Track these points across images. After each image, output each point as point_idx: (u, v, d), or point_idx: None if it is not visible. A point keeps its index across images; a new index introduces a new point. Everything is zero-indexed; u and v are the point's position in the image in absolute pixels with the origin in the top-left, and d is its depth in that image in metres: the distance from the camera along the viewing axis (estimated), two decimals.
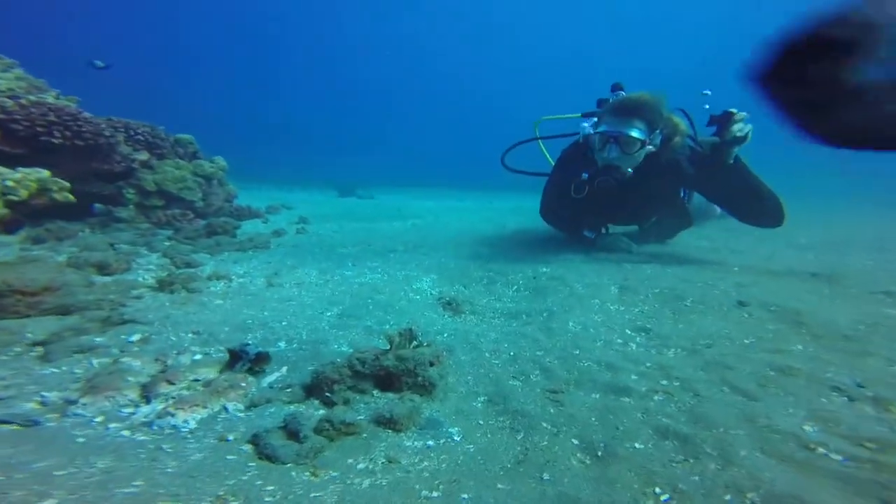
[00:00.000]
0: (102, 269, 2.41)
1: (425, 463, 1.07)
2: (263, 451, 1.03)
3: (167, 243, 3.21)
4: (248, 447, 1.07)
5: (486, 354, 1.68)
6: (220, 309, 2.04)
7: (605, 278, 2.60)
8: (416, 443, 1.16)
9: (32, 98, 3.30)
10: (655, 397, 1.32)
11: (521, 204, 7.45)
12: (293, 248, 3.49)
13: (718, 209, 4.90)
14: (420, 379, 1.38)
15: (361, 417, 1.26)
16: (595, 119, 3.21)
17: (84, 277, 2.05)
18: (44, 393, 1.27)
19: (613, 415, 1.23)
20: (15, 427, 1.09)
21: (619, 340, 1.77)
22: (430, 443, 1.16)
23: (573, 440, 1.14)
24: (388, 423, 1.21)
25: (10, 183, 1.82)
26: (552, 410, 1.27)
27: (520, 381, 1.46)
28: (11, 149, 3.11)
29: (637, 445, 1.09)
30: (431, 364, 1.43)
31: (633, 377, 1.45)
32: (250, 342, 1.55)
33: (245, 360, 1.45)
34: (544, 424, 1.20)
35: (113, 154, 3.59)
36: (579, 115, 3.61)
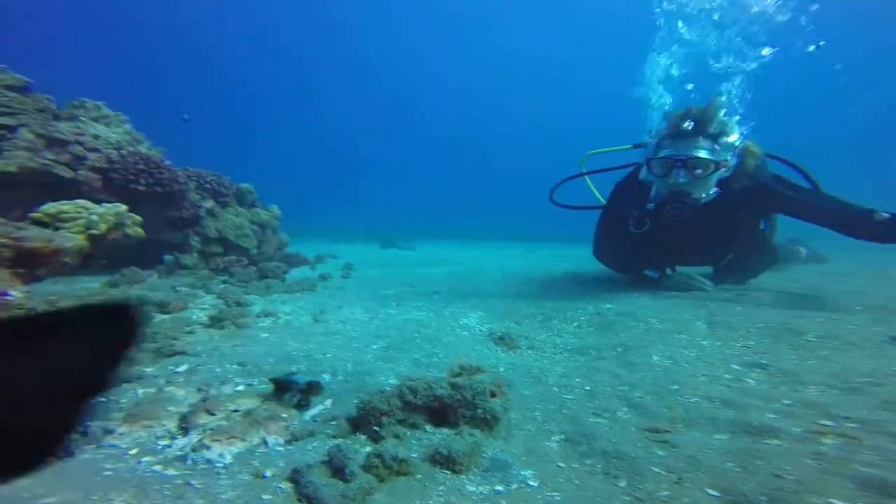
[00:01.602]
0: (162, 307, 2.49)
1: None
2: (304, 491, 0.86)
3: (221, 286, 3.34)
4: (286, 485, 0.90)
5: (555, 389, 1.44)
6: (266, 342, 1.98)
7: (686, 314, 2.28)
8: (480, 487, 0.94)
9: (131, 149, 3.79)
10: (825, 440, 1.02)
11: (568, 252, 7.18)
12: (338, 290, 3.49)
13: (804, 251, 4.29)
14: (480, 412, 1.17)
15: (414, 455, 1.06)
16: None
17: None
18: (87, 422, 1.21)
19: (763, 460, 0.95)
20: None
21: (727, 376, 1.47)
22: (499, 488, 0.93)
23: (709, 490, 0.86)
24: (445, 462, 1.01)
25: (94, 217, 1.98)
26: (661, 453, 1.00)
27: (604, 419, 1.20)
28: (109, 197, 3.53)
29: (837, 502, 0.80)
30: (493, 394, 1.22)
31: (771, 415, 1.16)
32: (296, 371, 1.44)
33: (295, 391, 1.33)
34: (655, 469, 0.94)
35: (184, 201, 3.95)
36: (630, 146, 3.42)
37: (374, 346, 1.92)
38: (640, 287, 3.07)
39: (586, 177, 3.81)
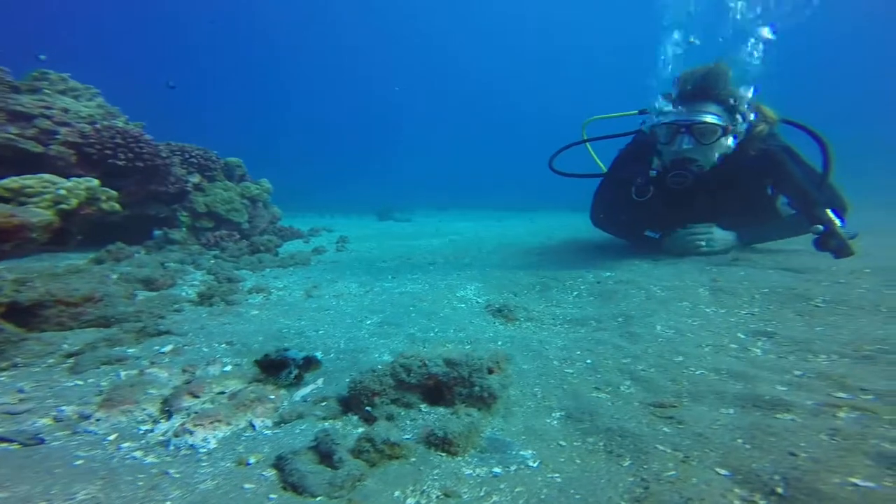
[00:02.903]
0: (149, 284, 2.41)
1: (494, 498, 0.80)
2: (288, 480, 0.81)
3: (212, 261, 3.24)
4: (271, 473, 0.85)
5: (555, 363, 1.38)
6: (255, 319, 1.91)
7: (688, 280, 2.21)
8: (477, 470, 0.89)
9: (105, 123, 3.58)
10: (841, 414, 0.97)
11: (564, 221, 7.08)
12: (332, 264, 3.41)
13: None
14: (477, 389, 1.12)
15: (408, 437, 1.01)
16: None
17: (126, 290, 2.03)
18: (61, 407, 1.15)
19: (775, 436, 0.89)
20: (15, 446, 0.96)
21: (734, 346, 1.41)
22: (497, 470, 0.89)
23: (718, 470, 0.81)
24: (441, 443, 0.96)
25: (62, 191, 1.85)
26: (667, 430, 0.95)
27: (607, 394, 1.15)
28: (86, 173, 3.36)
29: (859, 482, 0.74)
30: (490, 371, 1.16)
31: (781, 388, 1.10)
32: (289, 347, 1.37)
33: (292, 367, 1.26)
34: (661, 448, 0.89)
35: (168, 176, 3.77)
36: (635, 112, 3.21)
37: (368, 322, 1.86)
38: (641, 253, 2.99)
39: (587, 144, 3.63)
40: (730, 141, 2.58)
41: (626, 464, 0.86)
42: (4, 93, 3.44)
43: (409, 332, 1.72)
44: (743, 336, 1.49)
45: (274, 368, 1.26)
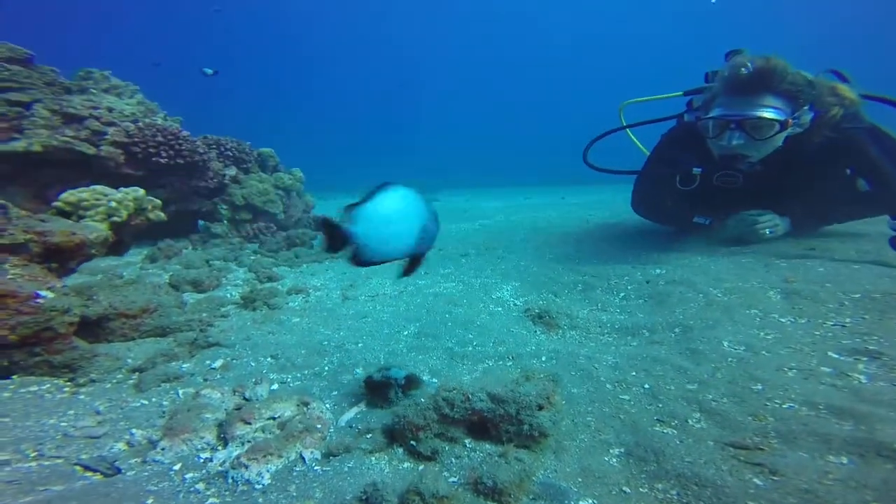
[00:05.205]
0: (197, 286, 2.53)
1: None
2: None
3: (252, 258, 3.35)
4: None
5: (608, 386, 1.30)
6: (297, 329, 1.95)
7: (754, 280, 1.97)
8: None
9: (147, 121, 3.70)
10: None
11: (600, 198, 6.67)
12: None
13: None
14: (526, 428, 1.07)
15: (454, 480, 0.99)
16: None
17: (176, 298, 2.12)
18: (132, 430, 1.23)
19: None
20: (98, 476, 1.03)
21: (826, 369, 1.23)
22: None
23: None
24: (490, 493, 0.92)
25: (113, 203, 1.92)
26: (757, 481, 0.84)
27: (672, 429, 1.05)
28: (134, 171, 3.52)
29: None
30: (540, 407, 1.10)
31: None
32: (389, 367, 1.39)
33: (396, 388, 1.32)
34: None
35: (207, 171, 3.88)
36: (680, 93, 2.83)
37: (405, 332, 1.84)
38: (692, 244, 2.74)
39: (628, 130, 3.29)
40: (788, 133, 2.24)
41: None
42: (58, 94, 3.60)
43: (446, 346, 1.68)
44: (836, 356, 1.30)
45: (379, 389, 1.32)
